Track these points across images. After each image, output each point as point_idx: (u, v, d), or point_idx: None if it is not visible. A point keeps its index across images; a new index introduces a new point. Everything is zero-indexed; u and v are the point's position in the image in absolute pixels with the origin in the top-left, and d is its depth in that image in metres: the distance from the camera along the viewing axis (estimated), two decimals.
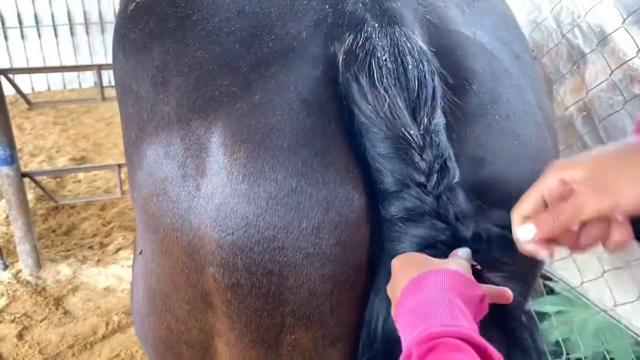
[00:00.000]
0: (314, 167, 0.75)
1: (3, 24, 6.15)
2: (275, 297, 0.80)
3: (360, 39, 0.78)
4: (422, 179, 0.76)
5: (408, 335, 0.65)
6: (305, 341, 0.84)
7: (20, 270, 3.21)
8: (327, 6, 0.83)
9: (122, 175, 3.22)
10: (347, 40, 0.79)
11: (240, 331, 0.84)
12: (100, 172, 4.41)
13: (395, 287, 0.73)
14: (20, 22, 6.25)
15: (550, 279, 2.40)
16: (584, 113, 1.73)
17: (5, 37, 6.19)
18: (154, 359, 1.07)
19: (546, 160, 0.86)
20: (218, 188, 0.77)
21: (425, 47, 0.80)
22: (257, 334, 0.84)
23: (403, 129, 0.75)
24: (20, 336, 2.73)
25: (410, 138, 0.75)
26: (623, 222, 0.62)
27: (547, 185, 0.66)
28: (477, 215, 0.81)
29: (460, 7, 0.92)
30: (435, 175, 0.76)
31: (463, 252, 0.77)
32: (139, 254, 1.00)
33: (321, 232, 0.76)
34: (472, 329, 0.63)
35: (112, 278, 3.21)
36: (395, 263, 0.76)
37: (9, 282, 3.11)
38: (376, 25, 0.79)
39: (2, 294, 3.02)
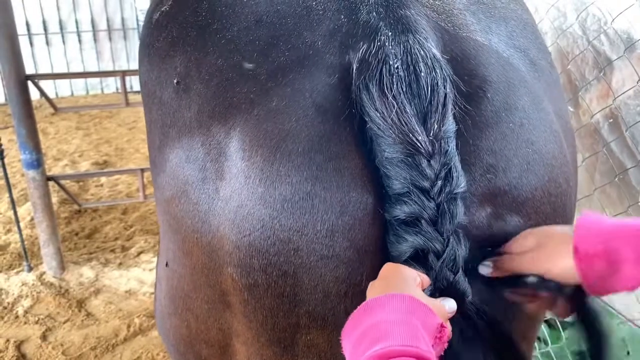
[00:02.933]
0: (329, 172, 0.77)
1: (29, 30, 6.27)
2: (291, 298, 0.82)
3: (373, 48, 0.79)
4: (427, 185, 0.76)
5: (359, 351, 0.66)
6: (321, 342, 0.86)
7: (44, 273, 3.27)
8: (342, 16, 0.85)
9: (145, 180, 3.26)
10: (361, 49, 0.80)
11: (257, 331, 0.87)
12: (122, 176, 4.47)
13: (368, 295, 0.76)
14: (45, 28, 6.37)
15: None
16: (611, 120, 1.71)
17: (31, 44, 6.32)
18: (176, 358, 1.11)
19: (562, 168, 0.87)
20: (236, 191, 0.80)
21: (438, 55, 0.80)
22: (274, 334, 0.86)
23: (411, 135, 0.75)
24: (43, 337, 2.77)
25: (418, 144, 0.76)
26: (563, 301, 0.82)
27: (514, 242, 0.83)
28: (490, 222, 0.83)
29: (476, 14, 0.92)
30: (440, 182, 0.76)
31: (447, 303, 0.79)
32: (161, 256, 1.03)
33: (335, 235, 0.77)
34: (430, 353, 0.65)
35: (134, 281, 3.25)
36: (382, 271, 0.78)
37: (33, 284, 3.16)
38: (390, 33, 0.80)
39: (27, 296, 3.07)
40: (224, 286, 0.86)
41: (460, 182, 0.78)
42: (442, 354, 0.72)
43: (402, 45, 0.79)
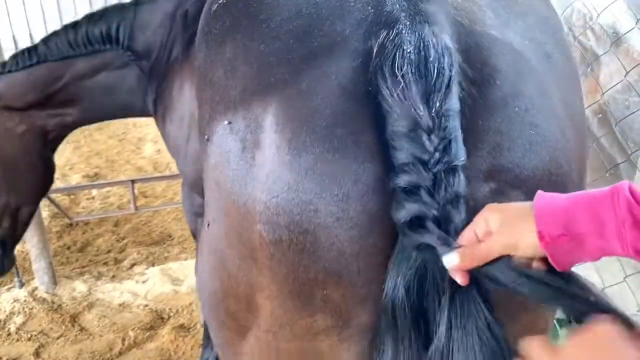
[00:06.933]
0: (348, 144, 0.88)
1: (16, 44, 6.24)
2: (310, 254, 0.93)
3: (391, 35, 0.90)
4: (426, 157, 0.86)
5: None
6: (336, 297, 0.96)
7: (36, 288, 3.23)
8: (370, 7, 0.96)
9: (136, 191, 3.23)
10: (382, 36, 0.90)
11: (280, 284, 0.98)
12: (114, 188, 4.44)
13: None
14: (32, 42, 6.34)
15: None
16: (600, 115, 1.71)
17: None
18: (207, 311, 1.23)
19: (564, 151, 0.97)
20: (268, 158, 0.92)
21: (449, 44, 0.90)
22: (294, 287, 0.97)
23: (412, 110, 0.86)
24: (37, 354, 2.74)
25: (419, 119, 0.85)
26: (538, 260, 0.81)
27: (476, 224, 0.84)
28: (493, 197, 0.91)
29: (495, 10, 1.01)
30: (437, 154, 0.86)
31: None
32: (205, 219, 1.14)
33: (350, 200, 0.89)
34: None
35: (127, 294, 3.22)
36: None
37: (25, 300, 3.12)
38: (408, 23, 0.91)
39: (19, 312, 3.03)
40: (253, 243, 0.97)
41: (460, 156, 0.86)
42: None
43: (417, 34, 0.89)
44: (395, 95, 0.86)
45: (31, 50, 2.02)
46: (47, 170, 2.23)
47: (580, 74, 1.79)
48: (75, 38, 1.98)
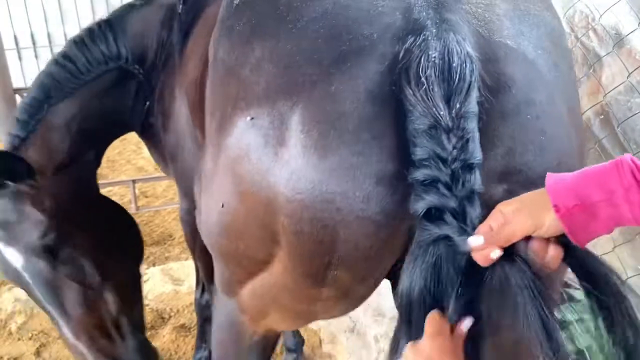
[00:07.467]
0: (371, 148, 0.93)
1: (17, 44, 6.24)
2: (327, 245, 1.00)
3: (418, 40, 0.94)
4: (444, 154, 0.90)
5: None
6: (344, 277, 1.06)
7: None
8: (398, 13, 0.99)
9: (137, 191, 3.23)
10: (409, 41, 0.95)
11: (295, 266, 1.07)
12: (114, 188, 4.44)
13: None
14: (33, 42, 6.34)
15: (570, 286, 2.36)
16: (602, 116, 1.71)
17: (20, 58, 6.28)
18: (217, 260, 1.30)
19: (570, 155, 1.04)
20: (293, 156, 0.97)
21: (471, 52, 0.94)
22: (310, 268, 1.06)
23: (434, 109, 0.90)
24: (38, 353, 2.74)
25: (439, 118, 0.90)
26: (555, 243, 0.87)
27: (492, 217, 0.89)
28: (505, 197, 0.95)
29: (512, 20, 1.06)
30: (455, 152, 0.91)
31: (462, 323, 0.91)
32: (213, 197, 1.20)
33: (370, 201, 0.95)
34: None
35: None
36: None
37: (26, 300, 3.11)
38: (434, 30, 0.95)
39: (20, 312, 3.03)
40: (276, 228, 1.04)
41: (476, 155, 0.91)
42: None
43: (442, 41, 0.94)
44: (418, 95, 0.91)
45: (30, 103, 1.86)
46: (117, 211, 2.10)
47: (582, 75, 1.79)
48: (75, 68, 1.89)
